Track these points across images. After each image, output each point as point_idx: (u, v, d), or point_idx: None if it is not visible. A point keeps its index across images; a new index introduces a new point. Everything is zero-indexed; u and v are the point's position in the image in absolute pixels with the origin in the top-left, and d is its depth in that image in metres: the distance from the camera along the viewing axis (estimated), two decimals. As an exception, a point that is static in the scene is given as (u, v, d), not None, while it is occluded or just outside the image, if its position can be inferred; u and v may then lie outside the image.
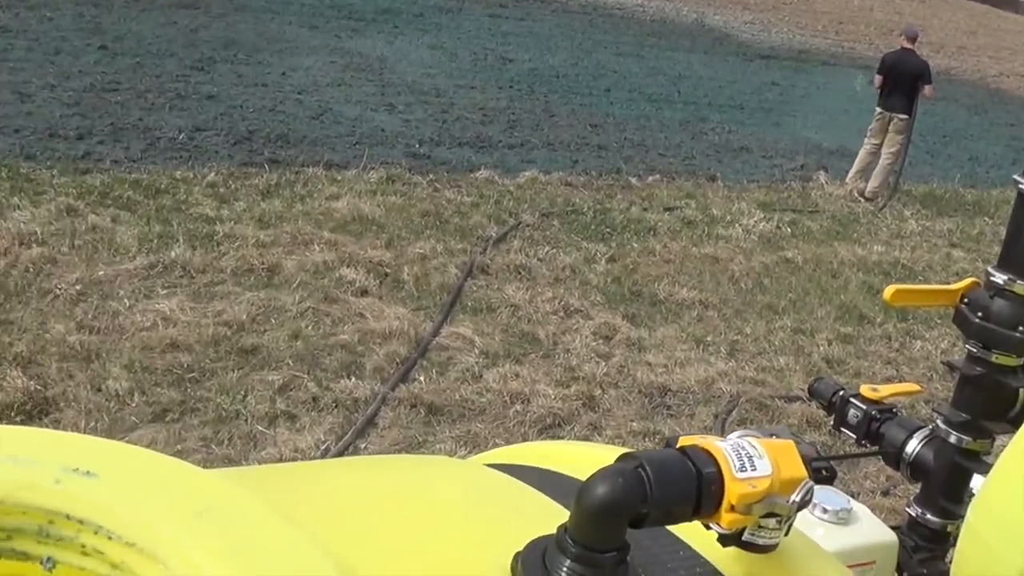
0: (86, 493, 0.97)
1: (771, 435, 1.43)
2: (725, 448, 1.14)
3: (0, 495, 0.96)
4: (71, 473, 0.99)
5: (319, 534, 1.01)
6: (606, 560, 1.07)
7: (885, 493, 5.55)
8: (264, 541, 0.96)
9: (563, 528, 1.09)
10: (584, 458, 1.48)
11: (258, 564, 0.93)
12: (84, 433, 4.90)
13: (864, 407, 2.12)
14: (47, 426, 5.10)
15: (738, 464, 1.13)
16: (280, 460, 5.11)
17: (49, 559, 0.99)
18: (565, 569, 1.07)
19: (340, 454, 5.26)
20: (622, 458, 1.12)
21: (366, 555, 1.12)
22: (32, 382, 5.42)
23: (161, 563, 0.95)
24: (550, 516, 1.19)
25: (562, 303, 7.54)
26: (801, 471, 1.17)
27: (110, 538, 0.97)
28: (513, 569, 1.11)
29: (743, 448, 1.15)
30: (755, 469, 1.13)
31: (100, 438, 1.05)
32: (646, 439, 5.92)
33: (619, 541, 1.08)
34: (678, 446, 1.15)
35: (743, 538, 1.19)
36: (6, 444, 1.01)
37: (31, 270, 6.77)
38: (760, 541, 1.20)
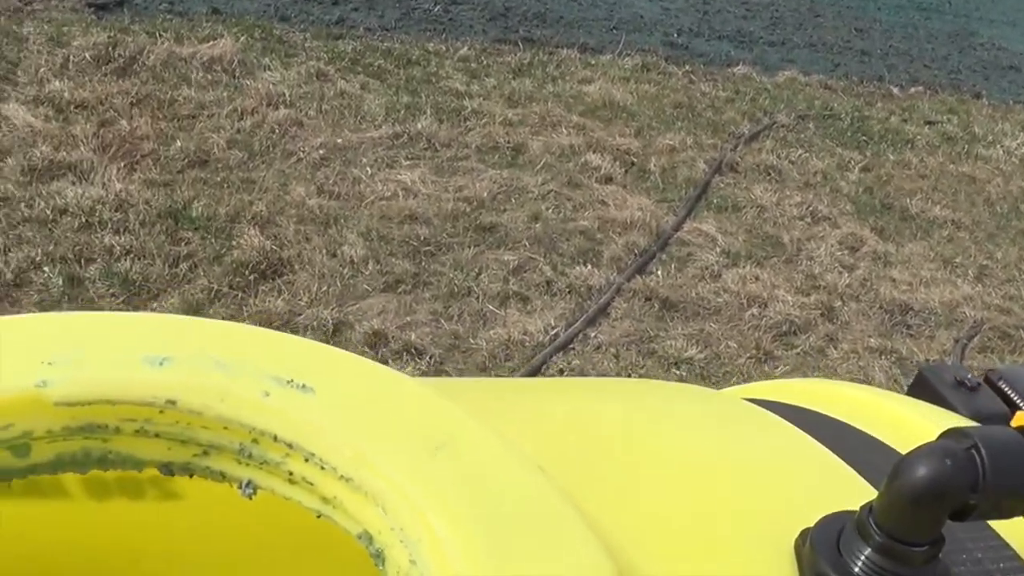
0: (299, 411, 0.79)
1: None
2: (1075, 431, 0.90)
3: (199, 405, 0.79)
4: (284, 385, 0.81)
5: (566, 481, 0.82)
6: (916, 555, 0.85)
7: None
8: (508, 497, 0.77)
9: (868, 509, 0.86)
10: (878, 411, 1.21)
11: (497, 523, 0.75)
12: (316, 298, 4.96)
13: None
14: (280, 287, 5.16)
15: (1089, 452, 0.88)
16: (508, 341, 5.07)
17: (249, 483, 0.82)
18: (864, 559, 0.85)
19: (569, 341, 5.15)
20: (950, 434, 0.88)
21: (620, 507, 0.92)
22: (269, 242, 5.42)
23: (380, 506, 0.76)
24: (840, 482, 0.97)
25: (810, 208, 7.22)
26: None
27: (323, 468, 0.78)
28: (798, 548, 0.89)
29: (1095, 432, 0.91)
30: (1108, 459, 0.89)
31: (323, 344, 0.86)
32: (883, 357, 5.67)
33: (935, 534, 0.86)
34: (1014, 424, 0.92)
35: (1071, 535, 0.96)
36: (211, 343, 0.84)
37: (276, 132, 6.76)
38: (1091, 541, 0.97)
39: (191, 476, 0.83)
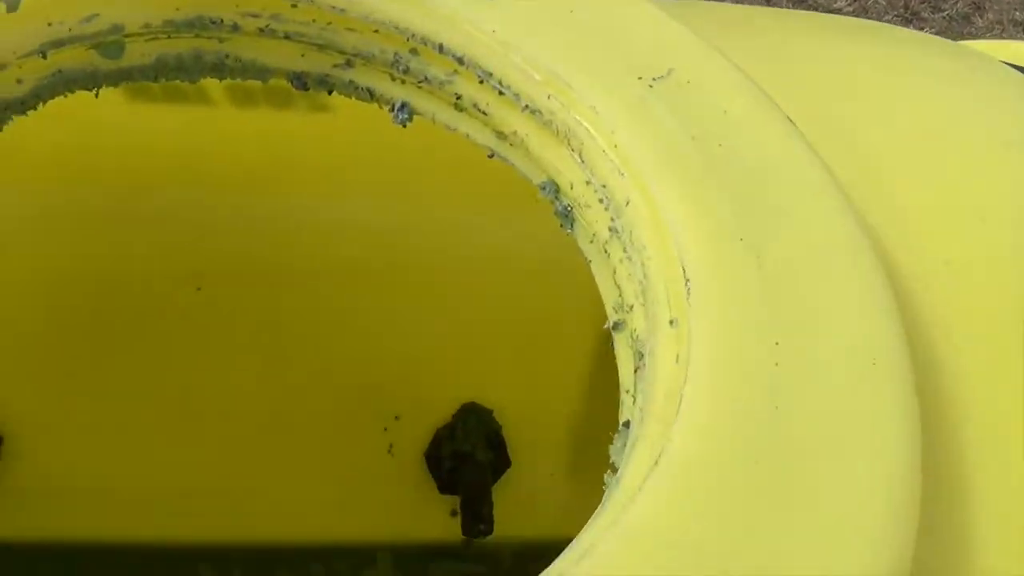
0: (475, 16, 0.52)
1: None
2: None
3: (343, 1, 0.53)
4: (453, -20, 0.54)
5: (818, 144, 0.55)
6: None
7: None
8: (749, 151, 0.51)
9: None
10: None
11: (737, 188, 0.49)
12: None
13: None
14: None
15: None
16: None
17: (404, 107, 0.56)
18: None
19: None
20: None
21: (882, 185, 0.65)
22: None
23: (575, 151, 0.51)
24: None
25: None
26: None
27: (501, 94, 0.52)
28: None
29: None
30: None
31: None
32: (1025, 32, 5.26)
33: None
34: None
35: None
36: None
37: None
38: None
39: (330, 92, 0.58)
